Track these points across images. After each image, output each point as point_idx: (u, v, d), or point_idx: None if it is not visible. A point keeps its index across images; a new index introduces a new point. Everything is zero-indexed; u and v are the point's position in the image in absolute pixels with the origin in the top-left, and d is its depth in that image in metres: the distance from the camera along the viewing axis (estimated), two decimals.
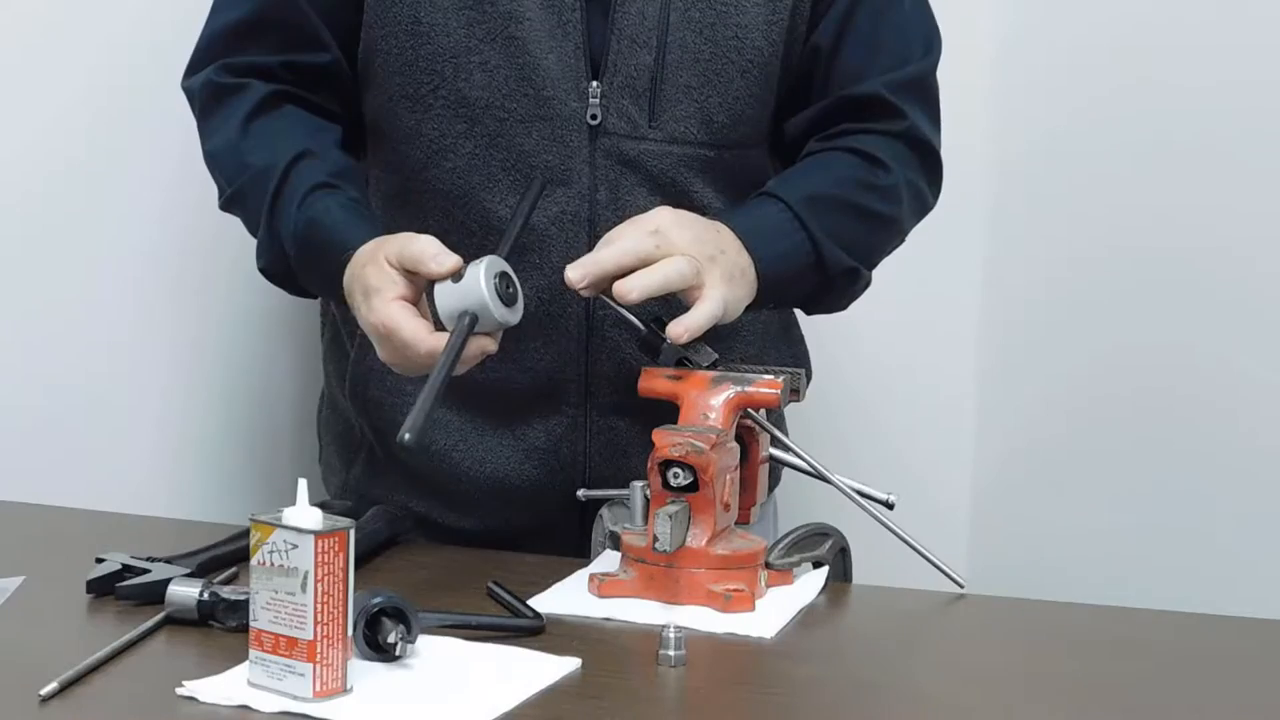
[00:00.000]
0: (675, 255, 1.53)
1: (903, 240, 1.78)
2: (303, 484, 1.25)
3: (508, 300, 1.49)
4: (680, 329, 1.52)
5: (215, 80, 1.72)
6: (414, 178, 1.68)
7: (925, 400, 2.33)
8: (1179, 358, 2.15)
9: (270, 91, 1.71)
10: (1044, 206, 2.25)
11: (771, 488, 1.86)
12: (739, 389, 1.53)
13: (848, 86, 1.73)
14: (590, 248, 1.61)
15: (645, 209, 1.62)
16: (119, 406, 1.97)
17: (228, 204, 1.73)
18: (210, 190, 1.75)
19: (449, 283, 1.48)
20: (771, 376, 1.54)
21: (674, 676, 1.32)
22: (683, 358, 1.55)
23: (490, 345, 1.50)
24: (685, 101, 1.68)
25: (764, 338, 1.78)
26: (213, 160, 1.73)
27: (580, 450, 1.70)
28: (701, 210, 1.66)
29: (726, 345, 1.65)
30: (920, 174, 1.76)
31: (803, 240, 1.66)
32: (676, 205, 1.64)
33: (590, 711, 1.25)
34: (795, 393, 1.56)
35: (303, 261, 1.64)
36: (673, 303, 1.57)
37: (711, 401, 1.52)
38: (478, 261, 1.49)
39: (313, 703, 1.22)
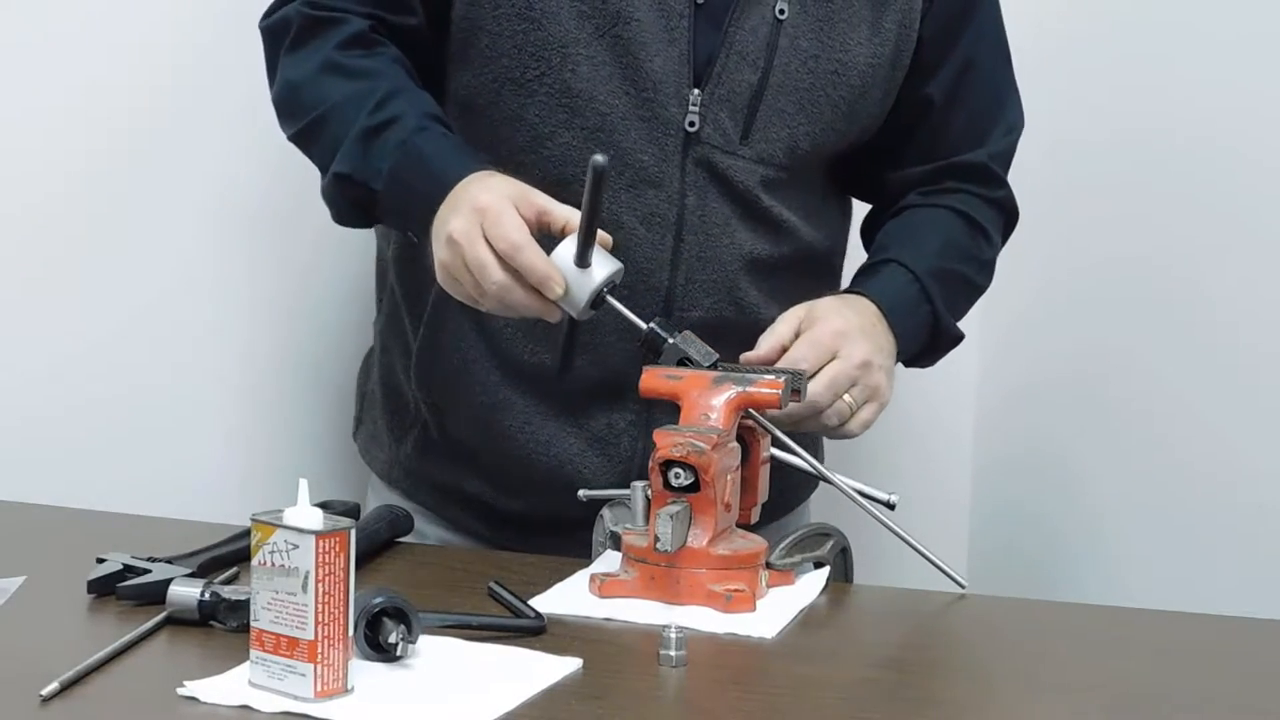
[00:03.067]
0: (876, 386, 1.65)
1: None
2: (303, 484, 1.25)
3: (595, 304, 1.55)
4: (859, 426, 1.65)
5: (307, 11, 1.71)
6: (510, 160, 1.67)
7: (925, 400, 2.33)
8: (1180, 358, 2.15)
9: (365, 28, 1.70)
10: (1045, 207, 2.25)
11: (805, 497, 1.87)
12: (740, 389, 1.53)
13: (958, 150, 1.82)
14: (674, 252, 1.69)
15: (726, 219, 1.70)
16: (119, 406, 1.97)
17: (299, 134, 1.71)
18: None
19: (571, 262, 1.53)
20: (773, 377, 1.54)
21: (675, 677, 1.32)
22: (684, 357, 1.55)
23: (551, 314, 1.54)
24: (778, 125, 1.71)
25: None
26: (292, 90, 1.71)
27: (640, 445, 1.71)
28: (773, 222, 1.72)
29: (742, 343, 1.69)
30: (1004, 238, 1.87)
31: (928, 314, 1.75)
32: (751, 215, 1.71)
33: (591, 711, 1.25)
34: (796, 393, 1.56)
35: (397, 185, 1.62)
36: (673, 307, 1.65)
37: (713, 402, 1.52)
38: (608, 259, 1.55)
39: (314, 703, 1.22)
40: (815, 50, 1.70)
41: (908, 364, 1.79)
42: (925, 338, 1.76)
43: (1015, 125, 1.87)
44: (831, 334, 1.63)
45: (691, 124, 1.68)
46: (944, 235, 1.80)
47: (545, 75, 1.67)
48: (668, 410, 1.58)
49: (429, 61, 1.73)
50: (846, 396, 1.62)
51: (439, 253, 1.56)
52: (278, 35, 1.73)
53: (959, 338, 1.80)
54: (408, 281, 1.80)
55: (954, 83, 1.80)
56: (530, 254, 1.51)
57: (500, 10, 1.68)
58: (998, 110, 1.84)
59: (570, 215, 1.54)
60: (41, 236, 1.91)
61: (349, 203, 1.68)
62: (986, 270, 1.84)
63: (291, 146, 1.73)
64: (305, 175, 1.74)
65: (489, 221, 1.53)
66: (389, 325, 1.84)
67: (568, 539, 1.64)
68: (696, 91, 1.67)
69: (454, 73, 1.73)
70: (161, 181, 1.98)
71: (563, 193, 1.62)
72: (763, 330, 1.68)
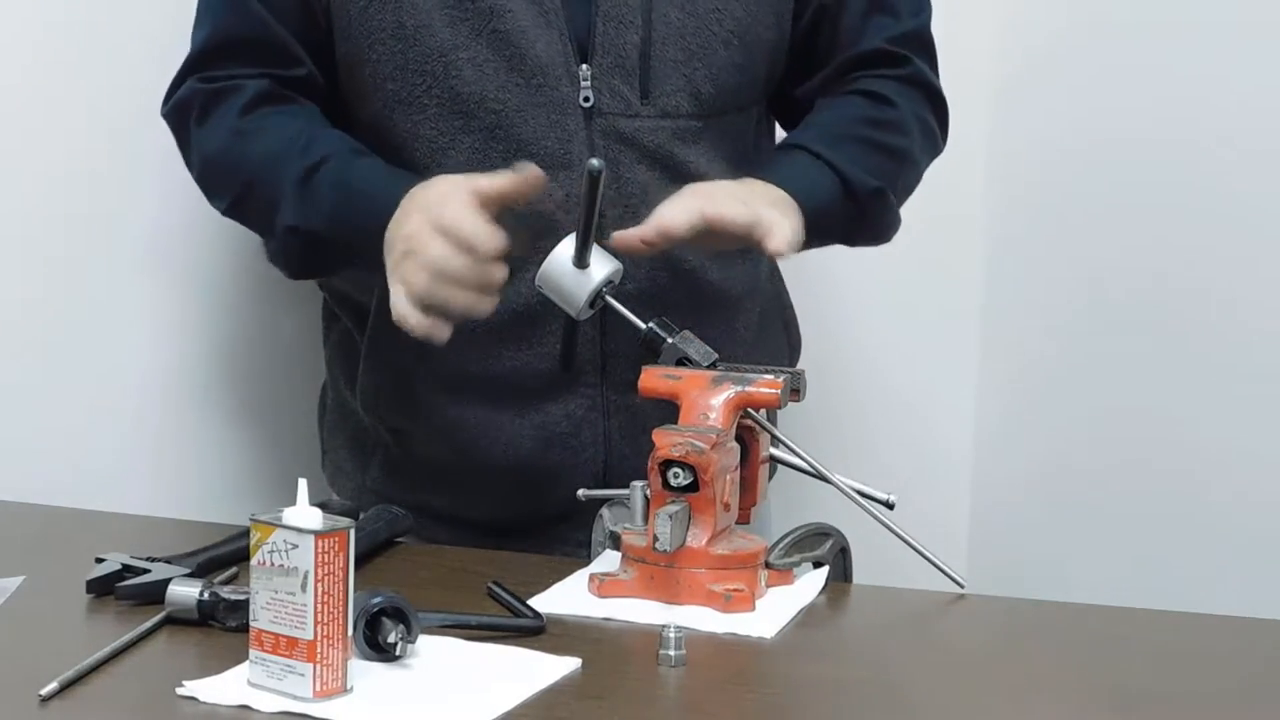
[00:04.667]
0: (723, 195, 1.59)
1: (919, 177, 1.83)
2: (303, 484, 1.25)
3: (593, 304, 1.56)
4: (779, 243, 1.57)
5: (202, 88, 1.73)
6: (419, 177, 1.67)
7: (926, 400, 2.33)
8: (1180, 359, 2.15)
9: (266, 85, 1.72)
10: (1047, 211, 2.25)
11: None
12: (739, 389, 1.52)
13: (855, 45, 1.78)
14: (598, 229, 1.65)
15: (644, 184, 1.68)
16: (119, 406, 1.97)
17: (232, 206, 1.74)
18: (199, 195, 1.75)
19: (569, 263, 1.54)
20: (772, 376, 1.54)
21: (674, 676, 1.32)
22: (683, 357, 1.55)
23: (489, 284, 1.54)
24: (674, 76, 1.70)
25: (759, 329, 1.80)
26: (212, 162, 1.74)
27: (600, 430, 1.71)
28: (697, 177, 1.69)
29: (724, 331, 1.69)
30: (928, 110, 1.82)
31: (825, 170, 1.71)
32: (672, 175, 1.69)
33: (590, 711, 1.25)
34: (795, 392, 1.56)
35: (341, 225, 1.64)
36: (669, 309, 1.61)
37: (711, 401, 1.52)
38: (607, 259, 1.55)
39: (313, 703, 1.22)
40: None
41: (852, 240, 1.79)
42: (837, 197, 1.71)
43: (921, 6, 1.83)
44: (693, 189, 1.62)
45: (586, 99, 1.68)
46: (832, 110, 1.78)
47: (433, 88, 1.67)
48: (621, 390, 1.59)
49: (329, 110, 1.74)
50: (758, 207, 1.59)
51: (397, 271, 1.57)
52: (182, 115, 1.75)
53: (879, 190, 1.74)
54: (350, 310, 1.79)
55: None
56: (458, 215, 1.53)
57: (374, 37, 1.68)
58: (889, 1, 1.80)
59: (496, 179, 1.55)
60: (38, 237, 1.91)
61: (299, 254, 1.69)
62: (897, 129, 1.78)
63: None
64: None
65: (433, 216, 1.54)
66: (337, 355, 1.84)
67: (542, 538, 1.65)
68: (585, 66, 1.68)
69: (353, 108, 1.74)
70: (159, 181, 1.98)
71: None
72: (706, 294, 1.71)
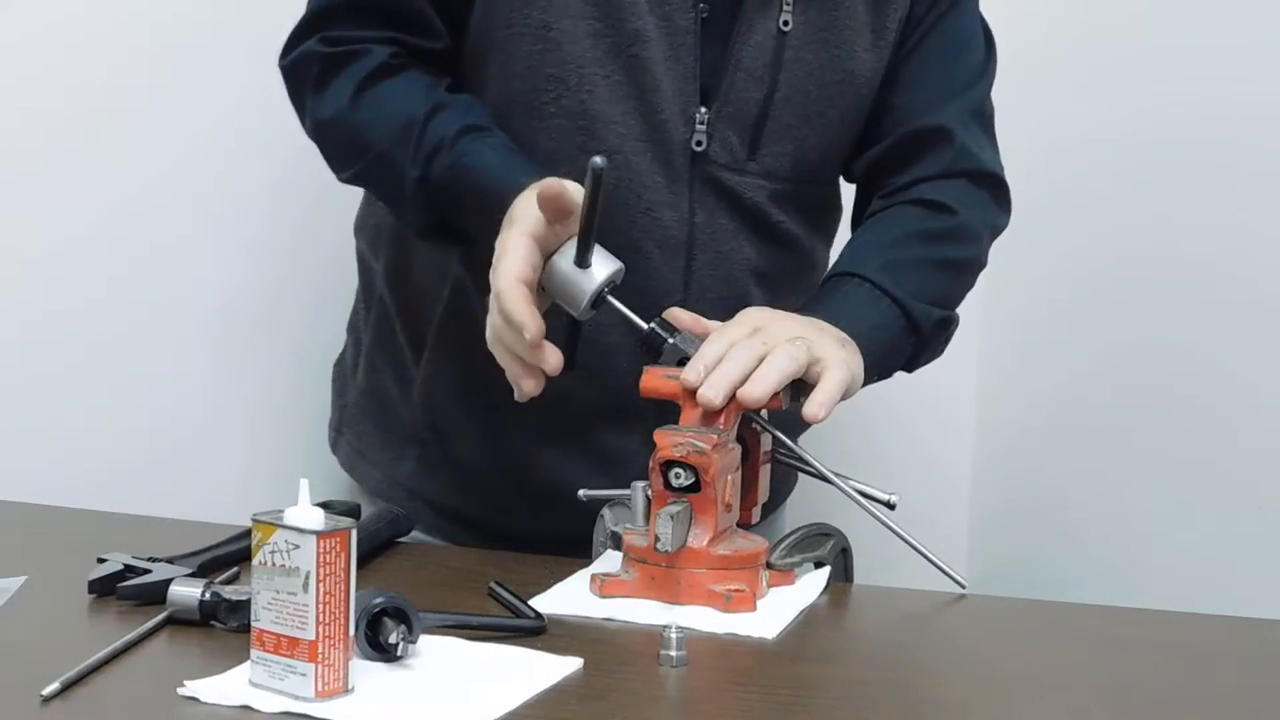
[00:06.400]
0: (782, 344, 1.51)
1: (983, 266, 1.79)
2: (304, 484, 1.25)
3: (595, 304, 1.54)
4: (816, 407, 1.51)
5: (323, 50, 1.66)
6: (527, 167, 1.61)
7: (926, 400, 2.33)
8: (1179, 359, 2.15)
9: (387, 56, 1.65)
10: (1045, 209, 2.25)
11: (785, 497, 1.86)
12: None
13: (913, 118, 1.74)
14: (686, 271, 1.66)
15: (734, 233, 1.67)
16: (119, 406, 1.97)
17: (354, 178, 1.70)
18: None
19: (571, 261, 1.52)
20: None
21: (675, 677, 1.32)
22: (684, 357, 1.55)
23: (531, 370, 1.51)
24: (785, 139, 1.69)
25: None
26: (327, 130, 1.68)
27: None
28: (786, 237, 1.70)
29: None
30: (988, 202, 1.77)
31: (889, 307, 1.66)
32: (763, 231, 1.69)
33: (591, 711, 1.25)
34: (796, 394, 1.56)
35: (461, 212, 1.60)
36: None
37: None
38: (608, 259, 1.53)
39: (314, 703, 1.22)
40: (821, 62, 1.67)
41: (911, 368, 1.75)
42: (900, 332, 1.67)
43: (975, 78, 1.76)
44: (752, 319, 1.55)
45: (699, 144, 1.66)
46: (889, 228, 1.72)
47: (561, 97, 1.63)
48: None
49: (457, 85, 1.69)
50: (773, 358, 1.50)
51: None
52: (299, 77, 1.69)
53: (944, 319, 1.71)
54: (402, 300, 1.78)
55: (911, 49, 1.73)
56: (509, 292, 1.48)
57: (514, 29, 1.63)
58: (954, 62, 1.75)
59: (572, 191, 1.49)
60: (38, 237, 1.91)
61: (434, 240, 1.67)
62: (958, 239, 1.73)
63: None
64: (319, 178, 1.73)
65: (494, 274, 1.50)
66: (378, 340, 1.81)
67: (577, 556, 1.64)
68: (704, 110, 1.65)
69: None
70: (154, 181, 1.99)
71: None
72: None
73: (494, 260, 1.52)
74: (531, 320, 1.47)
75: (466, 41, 1.67)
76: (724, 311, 1.64)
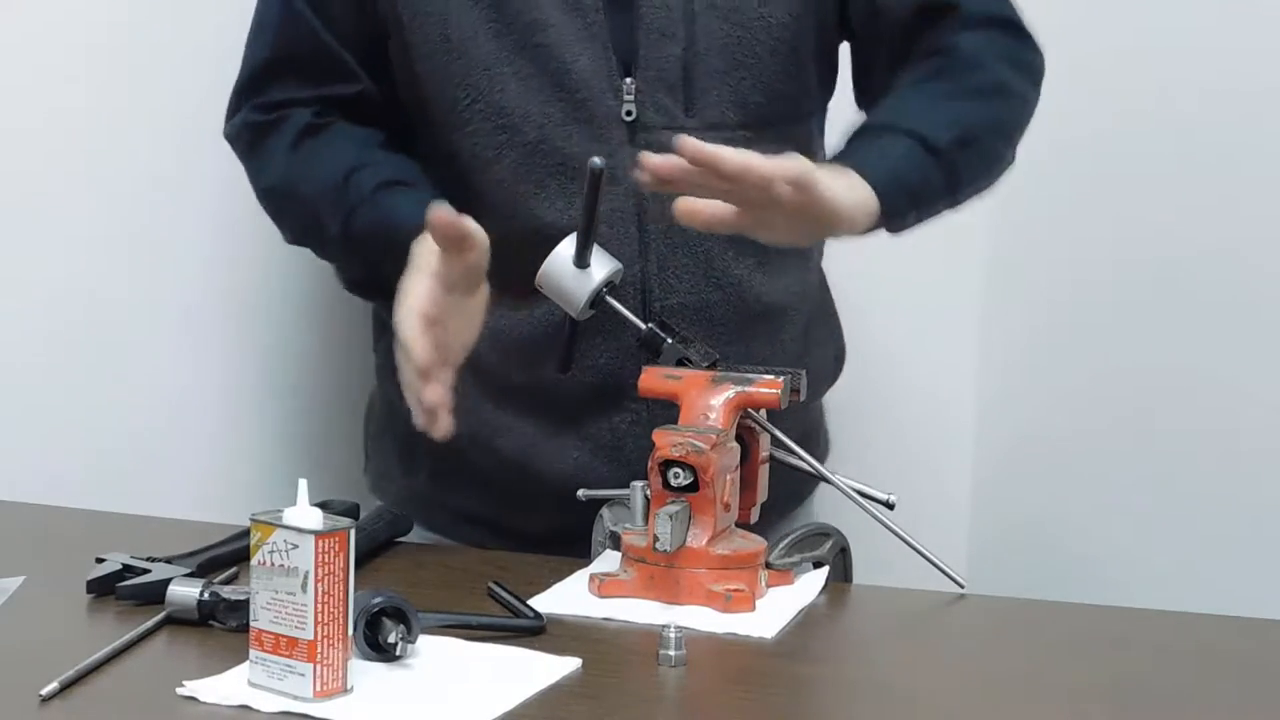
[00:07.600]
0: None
1: (1024, 103, 1.71)
2: (303, 484, 1.25)
3: (594, 304, 1.55)
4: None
5: (253, 120, 1.74)
6: (461, 194, 1.65)
7: (925, 400, 2.34)
8: (1179, 359, 2.15)
9: (310, 117, 1.72)
10: (1047, 208, 2.25)
11: (806, 496, 1.86)
12: (739, 389, 1.53)
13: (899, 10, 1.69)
14: (640, 242, 1.66)
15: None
16: (120, 406, 1.97)
17: (296, 239, 1.76)
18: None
19: (570, 263, 1.53)
20: (772, 376, 1.54)
21: (674, 676, 1.32)
22: (683, 357, 1.55)
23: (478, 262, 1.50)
24: (719, 87, 1.68)
25: (805, 340, 1.79)
26: (267, 198, 1.75)
27: (646, 445, 1.69)
28: None
29: (769, 344, 1.69)
30: (996, 38, 1.70)
31: (894, 137, 1.60)
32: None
33: (590, 711, 1.25)
34: (795, 392, 1.56)
35: (385, 261, 1.61)
36: (650, 298, 1.63)
37: (712, 401, 1.52)
38: (607, 259, 1.55)
39: (313, 703, 1.22)
40: (734, 3, 1.67)
41: (955, 199, 1.65)
42: (918, 158, 1.60)
43: None
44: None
45: (628, 113, 1.66)
46: (892, 92, 1.67)
47: (476, 102, 1.66)
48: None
49: (393, 124, 1.73)
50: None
51: None
52: (238, 145, 1.77)
53: (962, 139, 1.62)
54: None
55: None
56: (405, 328, 1.48)
57: (421, 50, 1.67)
58: None
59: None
60: (42, 238, 1.91)
61: (367, 296, 1.77)
62: (966, 71, 1.67)
63: None
64: None
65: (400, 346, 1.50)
66: (387, 361, 1.81)
67: (577, 548, 1.64)
68: (629, 80, 1.66)
69: (411, 122, 1.73)
70: (165, 184, 1.99)
71: (516, 216, 1.64)
72: (753, 307, 1.69)
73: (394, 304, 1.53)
74: (418, 345, 1.47)
75: (394, 72, 1.72)
76: (694, 280, 1.67)
